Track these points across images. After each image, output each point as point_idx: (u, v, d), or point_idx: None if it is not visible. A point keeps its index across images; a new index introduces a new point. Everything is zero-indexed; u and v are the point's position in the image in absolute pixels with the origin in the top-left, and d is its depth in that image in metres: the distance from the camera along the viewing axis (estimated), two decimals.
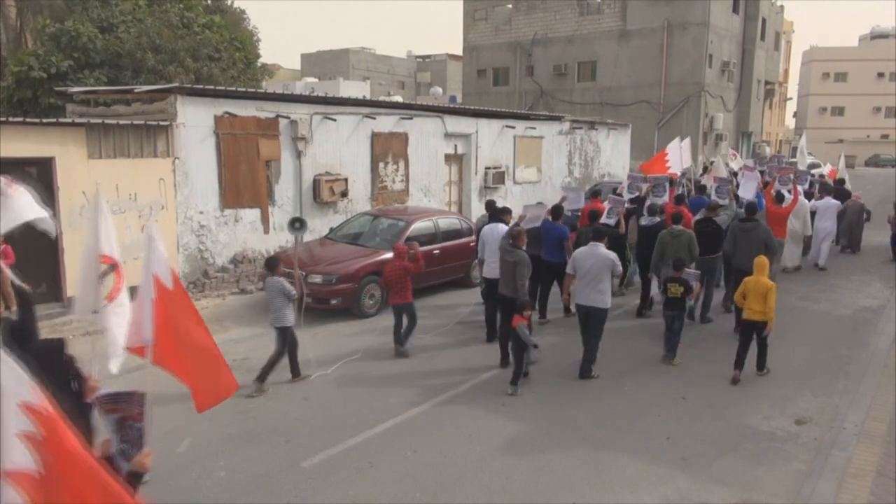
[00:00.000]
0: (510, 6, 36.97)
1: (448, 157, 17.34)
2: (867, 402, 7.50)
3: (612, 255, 8.06)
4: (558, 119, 21.73)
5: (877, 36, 73.39)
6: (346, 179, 14.15)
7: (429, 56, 74.06)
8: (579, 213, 11.42)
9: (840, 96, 69.46)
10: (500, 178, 18.63)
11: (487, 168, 18.32)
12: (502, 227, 9.37)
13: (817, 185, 16.71)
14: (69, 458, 2.60)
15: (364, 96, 27.56)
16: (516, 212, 10.84)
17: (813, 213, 14.63)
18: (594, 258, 7.97)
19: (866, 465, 6.07)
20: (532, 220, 10.15)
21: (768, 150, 40.23)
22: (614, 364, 8.70)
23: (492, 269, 9.06)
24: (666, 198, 11.61)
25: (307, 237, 13.40)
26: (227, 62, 20.83)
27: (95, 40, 17.90)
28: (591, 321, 8.08)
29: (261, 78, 24.18)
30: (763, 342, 8.20)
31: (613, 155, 24.72)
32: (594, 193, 12.43)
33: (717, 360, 8.94)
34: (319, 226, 13.51)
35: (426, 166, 16.40)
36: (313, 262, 10.81)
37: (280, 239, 13.16)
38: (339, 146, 14.23)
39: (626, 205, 11.58)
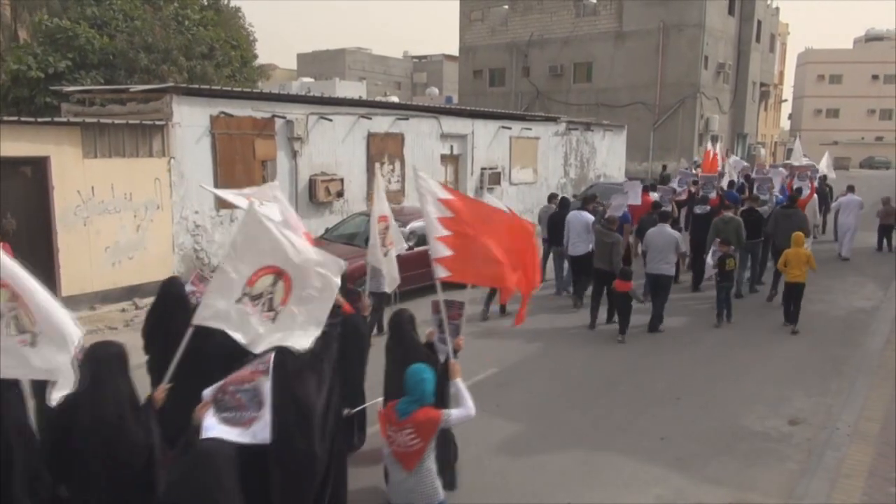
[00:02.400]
0: (506, 7, 37.02)
1: (444, 158, 17.36)
2: (860, 403, 7.54)
3: (677, 234, 10.43)
4: (554, 120, 21.77)
5: (872, 38, 73.78)
6: (341, 180, 14.16)
7: (425, 57, 74.04)
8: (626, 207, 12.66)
9: (835, 98, 69.77)
10: (496, 178, 18.66)
11: (483, 169, 18.35)
12: (585, 214, 11.46)
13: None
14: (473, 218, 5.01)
15: (360, 97, 27.52)
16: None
17: (835, 211, 16.63)
18: (662, 237, 10.11)
19: (859, 466, 6.10)
20: (616, 209, 11.81)
21: (763, 152, 40.42)
22: (609, 365, 8.74)
23: (577, 247, 11.27)
24: (714, 193, 13.71)
25: None
26: (222, 60, 20.80)
27: (93, 41, 17.87)
28: (660, 286, 10.07)
29: (257, 78, 24.16)
30: (798, 303, 10.20)
31: (609, 156, 24.78)
32: (587, 199, 12.82)
33: (712, 362, 8.99)
34: (315, 226, 13.50)
35: (422, 167, 16.31)
36: None
37: None
38: (335, 146, 14.23)
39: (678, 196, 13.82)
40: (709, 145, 19.57)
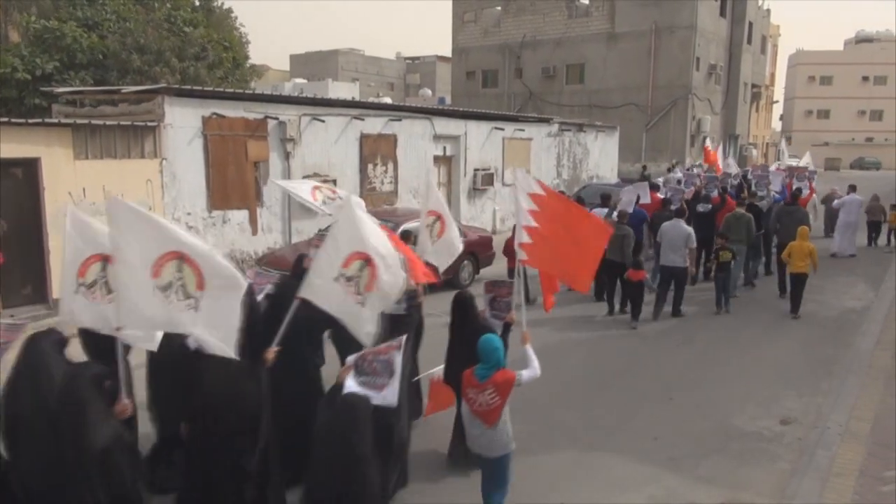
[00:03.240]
0: (499, 8, 37.08)
1: (437, 159, 17.37)
2: (851, 403, 7.59)
3: (689, 229, 10.85)
4: (547, 121, 21.82)
5: (862, 40, 74.29)
6: (334, 181, 14.13)
7: (418, 58, 74.08)
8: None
9: (825, 99, 70.19)
10: (488, 179, 18.68)
11: (476, 170, 18.37)
12: (598, 210, 11.98)
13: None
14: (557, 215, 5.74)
15: (353, 98, 27.56)
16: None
17: (836, 209, 17.28)
18: (676, 230, 10.72)
19: (850, 465, 6.14)
20: (626, 204, 12.29)
21: (755, 153, 40.63)
22: (602, 366, 8.76)
23: None
24: (715, 191, 14.39)
25: (294, 238, 13.39)
26: (214, 61, 20.75)
27: (81, 40, 17.78)
28: (676, 278, 10.79)
29: (249, 79, 24.13)
30: (801, 292, 11.05)
31: (601, 157, 24.85)
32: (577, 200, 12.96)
33: (704, 363, 9.02)
34: (308, 227, 13.49)
35: (415, 168, 16.42)
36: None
37: (268, 240, 13.14)
38: (328, 148, 14.22)
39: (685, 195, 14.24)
40: (709, 144, 20.61)
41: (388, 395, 4.43)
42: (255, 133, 12.74)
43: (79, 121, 10.47)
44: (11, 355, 4.06)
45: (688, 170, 20.22)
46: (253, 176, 12.83)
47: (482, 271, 12.79)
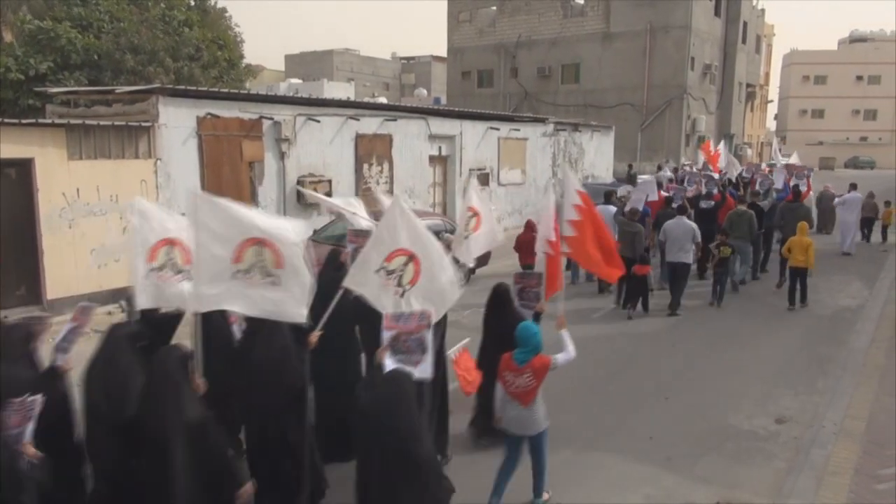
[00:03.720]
0: (494, 8, 37.09)
1: (432, 159, 17.36)
2: (846, 401, 7.62)
3: (694, 225, 11.26)
4: (542, 121, 21.83)
5: (856, 39, 74.54)
6: (329, 181, 14.12)
7: (413, 58, 74.00)
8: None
9: (820, 99, 70.43)
10: (484, 179, 18.68)
11: (472, 170, 18.36)
12: (610, 207, 12.57)
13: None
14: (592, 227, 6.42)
15: (348, 98, 27.51)
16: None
17: (830, 207, 18.16)
18: (680, 227, 11.07)
19: (845, 464, 6.16)
20: (636, 202, 12.71)
21: (749, 152, 40.73)
22: (598, 365, 8.76)
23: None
24: (716, 189, 14.92)
25: None
26: (209, 61, 20.71)
27: (76, 41, 17.72)
28: (678, 273, 11.14)
29: (244, 79, 24.09)
30: (804, 283, 11.57)
31: (597, 157, 24.88)
32: (608, 194, 14.06)
33: (699, 362, 9.03)
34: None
35: (410, 168, 16.41)
36: None
37: None
38: (323, 148, 14.20)
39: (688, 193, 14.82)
40: (711, 143, 21.49)
41: (424, 369, 4.91)
42: (250, 133, 12.71)
43: (73, 121, 10.43)
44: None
45: (675, 169, 20.82)
46: (248, 176, 12.80)
47: (478, 271, 12.78)
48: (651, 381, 8.22)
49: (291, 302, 4.62)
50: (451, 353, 6.08)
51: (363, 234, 6.58)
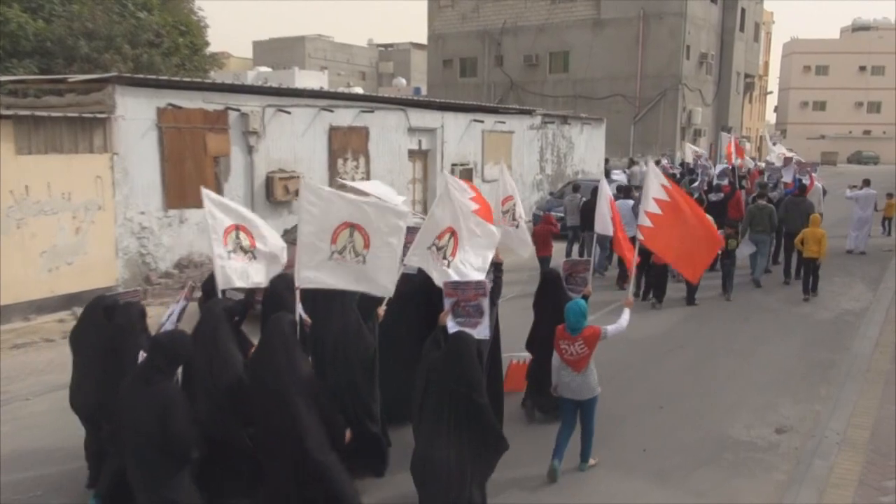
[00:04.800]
0: None
1: (412, 153, 17.36)
2: (849, 409, 7.72)
3: (709, 218, 11.50)
4: (529, 113, 21.91)
5: (858, 28, 75.61)
6: (301, 177, 14.05)
7: (391, 45, 73.97)
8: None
9: (821, 90, 71.46)
10: (467, 175, 18.69)
11: (454, 165, 18.38)
12: (628, 201, 13.21)
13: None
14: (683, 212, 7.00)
15: (321, 87, 27.42)
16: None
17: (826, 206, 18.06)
18: None
19: (848, 475, 6.24)
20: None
21: (748, 146, 41.20)
22: None
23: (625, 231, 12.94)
24: (726, 180, 16.25)
25: None
26: (170, 48, 20.54)
27: (25, 26, 17.49)
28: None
29: (209, 67, 23.92)
30: (816, 273, 12.57)
31: (587, 151, 25.01)
32: (625, 189, 15.02)
33: (696, 369, 9.11)
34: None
35: (388, 163, 16.39)
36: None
37: None
38: (294, 141, 14.14)
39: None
40: (726, 137, 22.68)
41: (482, 330, 5.87)
42: (215, 126, 12.63)
43: (21, 112, 10.28)
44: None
45: (656, 162, 21.08)
46: (213, 172, 12.72)
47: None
48: (644, 390, 8.27)
49: (379, 277, 5.60)
50: (516, 358, 7.30)
51: (411, 231, 7.27)
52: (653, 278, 12.09)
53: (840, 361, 9.36)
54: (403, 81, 61.25)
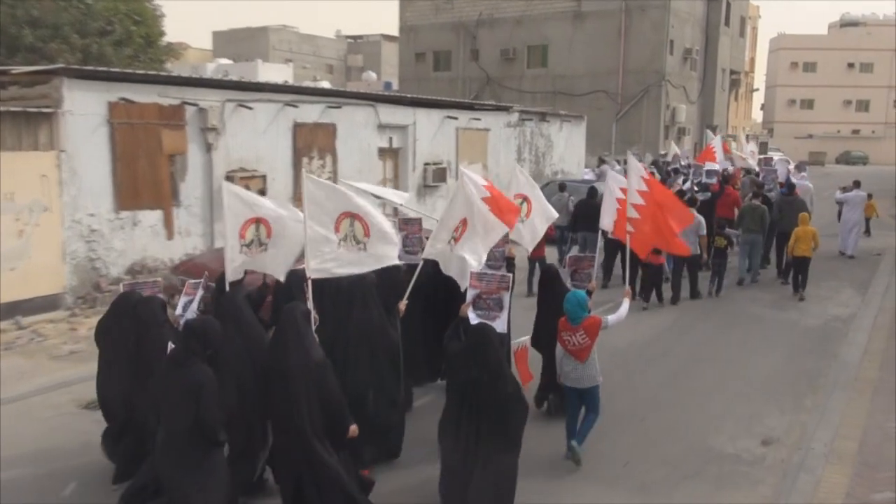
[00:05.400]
0: None
1: (382, 152, 17.34)
2: (837, 420, 7.86)
3: (700, 217, 12.50)
4: (506, 109, 22.02)
5: (847, 24, 77.12)
6: (263, 177, 13.98)
7: (360, 37, 73.84)
8: None
9: (809, 88, 72.75)
10: (441, 175, 18.74)
11: (427, 164, 18.41)
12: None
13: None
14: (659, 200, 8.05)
15: (285, 81, 27.23)
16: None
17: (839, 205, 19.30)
18: None
19: (836, 488, 6.36)
20: None
21: (734, 146, 41.74)
22: None
23: None
24: (715, 180, 16.71)
25: (219, 242, 13.18)
26: (122, 37, 20.31)
27: None
28: (690, 263, 12.61)
29: (164, 59, 23.70)
30: (805, 273, 13.22)
31: (567, 150, 25.19)
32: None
33: (679, 379, 9.21)
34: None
35: (357, 162, 16.35)
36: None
37: (186, 245, 12.89)
38: (256, 138, 14.06)
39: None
40: (719, 139, 22.96)
41: (500, 324, 6.55)
42: (171, 122, 12.51)
43: None
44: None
45: (621, 162, 22.28)
46: (168, 171, 12.59)
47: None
48: (626, 401, 8.34)
49: (379, 258, 6.32)
50: (514, 344, 7.63)
51: (412, 223, 8.34)
52: (649, 278, 12.42)
53: (827, 370, 9.54)
54: (373, 75, 61.19)
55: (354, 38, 74.03)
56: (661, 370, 9.48)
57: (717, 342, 10.73)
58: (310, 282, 6.10)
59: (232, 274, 6.32)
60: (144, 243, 12.33)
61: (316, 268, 6.06)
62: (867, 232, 20.32)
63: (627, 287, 7.62)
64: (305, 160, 15.04)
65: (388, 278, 6.67)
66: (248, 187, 13.56)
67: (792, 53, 73.82)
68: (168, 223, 12.66)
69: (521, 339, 7.83)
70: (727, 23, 38.72)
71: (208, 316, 5.81)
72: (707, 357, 10.03)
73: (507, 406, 5.29)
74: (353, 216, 6.18)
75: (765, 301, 13.10)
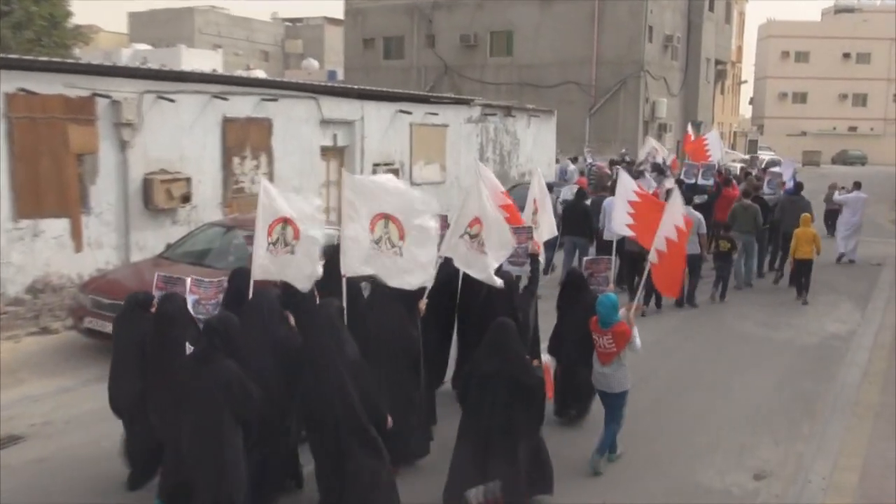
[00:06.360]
0: None
1: (325, 151, 17.27)
2: (835, 449, 8.03)
3: (699, 215, 13.58)
4: (466, 103, 22.11)
5: (841, 10, 79.40)
6: (188, 179, 13.81)
7: (300, 19, 73.72)
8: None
9: (802, 80, 74.56)
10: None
11: (377, 165, 18.38)
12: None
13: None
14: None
15: (214, 70, 27.05)
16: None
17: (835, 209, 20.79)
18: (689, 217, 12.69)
19: None
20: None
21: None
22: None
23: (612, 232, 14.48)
24: (712, 181, 17.50)
25: (135, 255, 12.97)
26: (21, 19, 19.96)
27: None
28: (689, 264, 12.40)
29: (72, 44, 23.34)
30: (808, 276, 14.35)
31: (535, 148, 25.37)
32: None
33: (662, 406, 9.30)
34: (153, 240, 13.10)
35: (296, 162, 16.26)
36: (144, 288, 10.42)
37: (97, 259, 12.65)
38: (180, 135, 13.90)
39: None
40: (716, 132, 23.75)
41: (526, 269, 8.47)
42: (80, 116, 12.32)
43: None
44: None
45: (592, 161, 23.32)
46: (76, 173, 12.37)
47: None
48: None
49: (414, 270, 6.99)
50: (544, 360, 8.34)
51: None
52: (650, 282, 12.61)
53: (825, 393, 9.73)
54: (315, 64, 61.05)
55: (293, 21, 73.84)
56: (642, 396, 9.48)
57: (702, 365, 10.86)
58: (345, 280, 6.92)
59: (258, 273, 7.09)
60: (48, 257, 12.08)
61: (352, 267, 6.89)
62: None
63: (637, 302, 8.37)
64: (237, 160, 14.91)
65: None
66: (170, 192, 13.44)
67: (782, 42, 75.63)
68: (76, 233, 12.43)
69: (547, 358, 8.42)
70: (711, 8, 39.50)
71: (227, 312, 6.34)
72: (693, 381, 10.15)
73: (527, 397, 6.12)
74: (389, 218, 6.91)
75: (757, 318, 13.31)
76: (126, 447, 6.73)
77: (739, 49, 57.93)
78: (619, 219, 9.29)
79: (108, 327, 9.85)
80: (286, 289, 7.28)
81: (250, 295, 7.02)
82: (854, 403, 9.39)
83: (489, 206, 7.88)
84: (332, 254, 8.03)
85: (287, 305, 6.85)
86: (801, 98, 75.83)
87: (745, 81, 68.72)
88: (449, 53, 36.59)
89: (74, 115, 12.26)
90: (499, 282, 7.72)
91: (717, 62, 42.60)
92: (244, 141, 15.12)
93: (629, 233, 9.34)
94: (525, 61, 35.05)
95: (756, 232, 15.17)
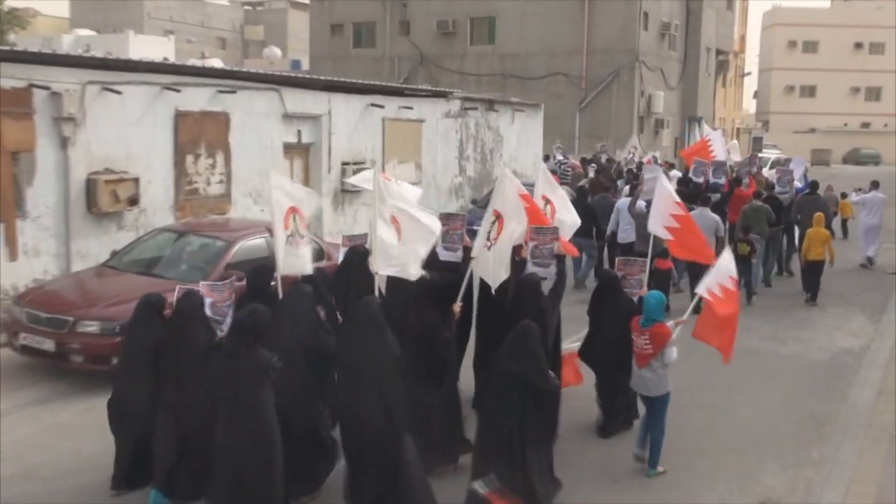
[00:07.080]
0: None
1: (288, 148, 17.24)
2: (847, 475, 8.09)
3: (717, 217, 14.60)
4: (444, 96, 22.15)
5: None
6: (136, 180, 13.74)
7: (261, 3, 73.63)
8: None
9: (810, 72, 74.99)
10: None
11: (345, 164, 18.36)
12: (627, 199, 15.48)
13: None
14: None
15: (165, 58, 26.92)
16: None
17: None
18: (704, 219, 13.53)
19: None
20: (649, 193, 13.82)
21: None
22: None
23: (629, 234, 14.70)
24: (723, 179, 18.27)
25: (76, 264, 12.88)
26: None
27: None
28: (701, 267, 13.14)
29: (6, 29, 23.17)
30: (819, 278, 15.29)
31: (520, 146, 25.43)
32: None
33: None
34: (96, 247, 13.03)
35: (256, 160, 16.22)
36: (87, 301, 10.39)
37: (35, 268, 12.56)
38: (127, 131, 13.84)
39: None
40: (720, 132, 24.29)
41: (551, 272, 8.55)
42: (15, 109, 12.23)
43: None
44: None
45: (563, 160, 24.11)
46: (10, 173, 12.28)
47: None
48: (597, 456, 8.41)
49: (410, 264, 7.68)
50: (566, 349, 9.07)
51: (454, 218, 9.56)
52: (656, 284, 12.66)
53: (836, 414, 9.78)
54: (278, 52, 60.97)
55: (253, 4, 73.77)
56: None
57: (706, 381, 10.86)
58: (377, 277, 7.68)
59: (286, 268, 7.96)
60: None
61: (385, 264, 7.58)
62: (844, 234, 23.27)
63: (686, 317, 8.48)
64: (190, 158, 14.85)
65: (445, 279, 8.33)
66: (116, 193, 13.37)
67: (789, 30, 76.17)
68: (10, 240, 12.33)
69: (572, 346, 9.20)
70: None
71: (255, 304, 6.66)
72: (694, 400, 10.12)
73: (541, 403, 6.61)
74: (394, 218, 7.73)
75: (763, 331, 13.31)
76: (116, 450, 7.20)
77: (743, 38, 58.39)
78: (659, 221, 9.88)
79: (45, 344, 9.93)
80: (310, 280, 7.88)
81: (280, 293, 7.78)
82: (867, 425, 9.45)
83: (511, 203, 8.57)
84: (348, 255, 8.79)
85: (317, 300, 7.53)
86: (809, 92, 76.38)
87: (749, 73, 69.25)
88: (425, 41, 36.57)
89: (9, 108, 12.17)
90: (414, 274, 7.95)
91: (719, 52, 42.87)
92: (198, 137, 15.06)
93: (668, 236, 9.95)
94: (509, 50, 35.09)
95: (767, 234, 15.71)
